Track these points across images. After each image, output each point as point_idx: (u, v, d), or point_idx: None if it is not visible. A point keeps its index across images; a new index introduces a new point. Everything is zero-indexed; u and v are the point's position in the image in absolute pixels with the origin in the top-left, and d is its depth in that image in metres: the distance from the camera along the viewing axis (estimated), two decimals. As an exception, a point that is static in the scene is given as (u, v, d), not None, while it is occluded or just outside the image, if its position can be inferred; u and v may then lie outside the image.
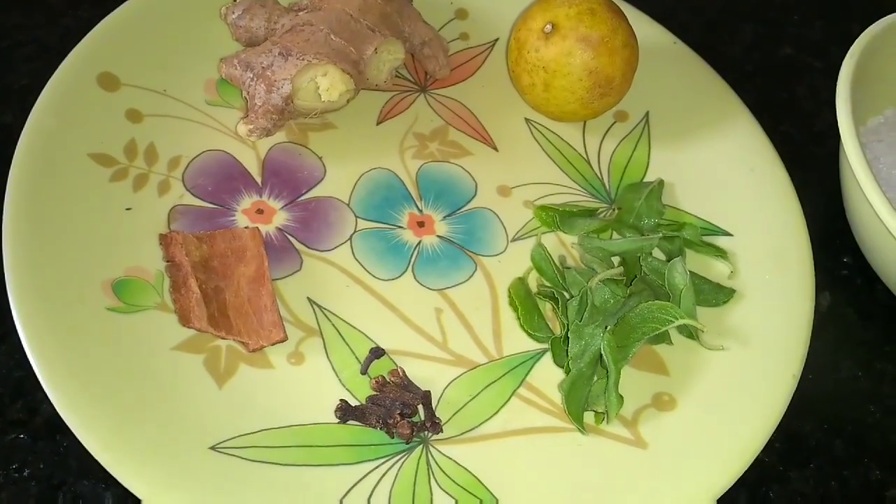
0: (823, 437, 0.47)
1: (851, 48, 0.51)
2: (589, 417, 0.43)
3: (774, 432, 0.43)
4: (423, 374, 0.44)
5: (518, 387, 0.44)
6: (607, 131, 0.55)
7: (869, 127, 0.54)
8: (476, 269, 0.48)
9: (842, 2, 0.69)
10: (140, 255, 0.45)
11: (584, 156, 0.54)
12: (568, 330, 0.44)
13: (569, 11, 0.49)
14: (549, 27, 0.49)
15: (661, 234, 0.49)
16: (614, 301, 0.45)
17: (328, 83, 0.48)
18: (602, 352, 0.43)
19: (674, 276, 0.46)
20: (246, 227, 0.47)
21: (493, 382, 0.44)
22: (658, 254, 0.49)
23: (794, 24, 0.67)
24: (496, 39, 0.58)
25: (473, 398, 0.44)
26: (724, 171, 0.53)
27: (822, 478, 0.46)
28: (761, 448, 0.42)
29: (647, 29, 0.57)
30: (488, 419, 0.43)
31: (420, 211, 0.50)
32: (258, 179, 0.49)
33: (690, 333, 0.46)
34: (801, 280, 0.48)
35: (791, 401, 0.44)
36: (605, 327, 0.44)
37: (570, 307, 0.45)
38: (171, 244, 0.45)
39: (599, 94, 0.51)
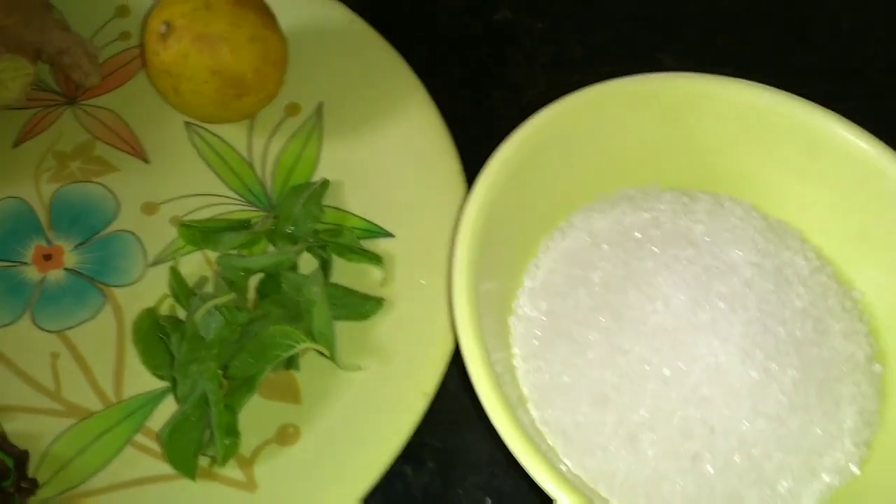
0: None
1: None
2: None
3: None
4: (28, 430, 0.40)
5: (135, 433, 0.41)
6: (277, 128, 0.50)
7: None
8: (105, 304, 0.44)
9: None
10: None
11: (248, 159, 0.49)
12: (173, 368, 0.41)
13: (183, 8, 0.45)
14: (163, 28, 0.45)
15: (303, 246, 0.45)
16: (231, 330, 0.41)
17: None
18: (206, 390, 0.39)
19: (311, 291, 0.43)
20: None
21: (106, 431, 0.41)
22: (313, 265, 0.45)
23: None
24: (162, 36, 0.53)
25: (82, 452, 0.40)
26: (394, 163, 0.48)
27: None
28: (378, 479, 0.39)
29: (319, 8, 0.52)
30: (96, 473, 0.40)
31: (49, 242, 0.46)
32: None
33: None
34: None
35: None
36: (219, 362, 0.40)
37: (173, 342, 0.41)
38: None
39: (234, 94, 0.46)
